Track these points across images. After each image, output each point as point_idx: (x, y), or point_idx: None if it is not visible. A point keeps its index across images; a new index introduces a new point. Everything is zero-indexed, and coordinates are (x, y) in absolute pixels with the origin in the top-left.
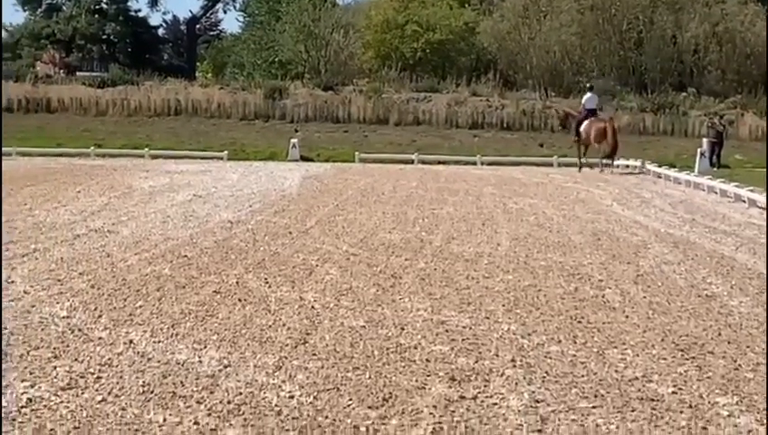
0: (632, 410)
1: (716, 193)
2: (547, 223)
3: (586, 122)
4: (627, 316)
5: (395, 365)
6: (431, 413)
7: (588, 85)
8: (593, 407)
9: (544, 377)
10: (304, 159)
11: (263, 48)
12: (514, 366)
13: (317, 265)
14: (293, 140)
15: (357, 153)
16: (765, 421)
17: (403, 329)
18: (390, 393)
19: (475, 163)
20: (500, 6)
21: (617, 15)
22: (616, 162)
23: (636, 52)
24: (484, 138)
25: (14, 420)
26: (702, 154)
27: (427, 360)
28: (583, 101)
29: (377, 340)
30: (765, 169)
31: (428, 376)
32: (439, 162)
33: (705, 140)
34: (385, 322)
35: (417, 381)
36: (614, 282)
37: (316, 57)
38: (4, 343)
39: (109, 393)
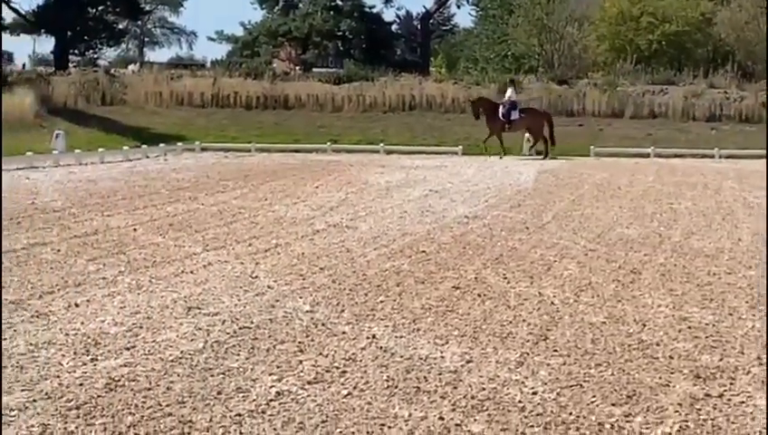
0: None
1: None
2: None
3: (523, 115)
4: None
5: (638, 362)
6: (676, 411)
7: (509, 80)
8: None
9: None
10: (539, 153)
11: (495, 42)
12: (761, 364)
13: (555, 261)
14: (527, 135)
15: (591, 147)
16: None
17: (645, 325)
18: (634, 391)
19: (712, 156)
20: None
21: None
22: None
23: None
24: (722, 130)
25: (263, 412)
26: None
27: (671, 357)
28: (509, 94)
29: (618, 336)
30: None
31: (672, 373)
32: (676, 156)
33: None
34: (626, 318)
35: (660, 378)
36: None
37: (550, 51)
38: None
39: (354, 388)
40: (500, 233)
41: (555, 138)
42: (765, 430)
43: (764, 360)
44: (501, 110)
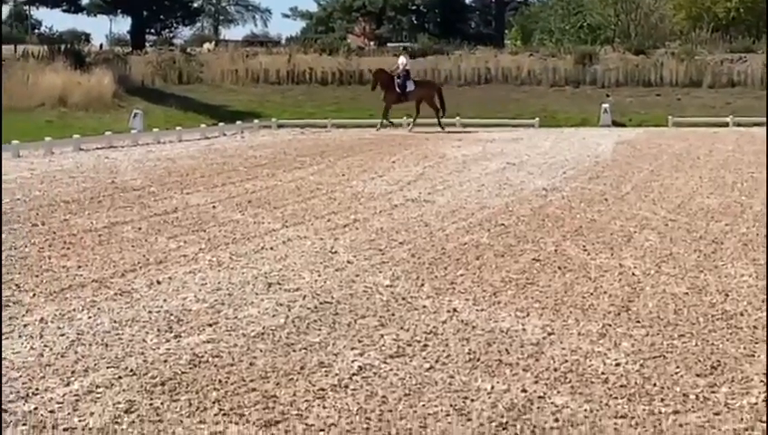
0: None
1: None
2: None
3: (417, 86)
4: None
5: (721, 332)
6: (762, 381)
7: (402, 48)
8: None
9: None
10: (616, 124)
11: (571, 13)
12: None
13: (635, 232)
14: (605, 106)
15: (670, 117)
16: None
17: (727, 295)
18: (719, 361)
19: None
20: None
21: None
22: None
23: None
24: None
25: (346, 387)
26: None
27: (755, 327)
28: (401, 62)
29: (701, 307)
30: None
31: (756, 344)
32: (755, 124)
33: None
34: (708, 288)
35: (745, 348)
36: None
37: (626, 20)
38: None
39: (436, 361)
40: (579, 205)
41: (446, 107)
42: (766, 429)
43: None
44: (397, 81)
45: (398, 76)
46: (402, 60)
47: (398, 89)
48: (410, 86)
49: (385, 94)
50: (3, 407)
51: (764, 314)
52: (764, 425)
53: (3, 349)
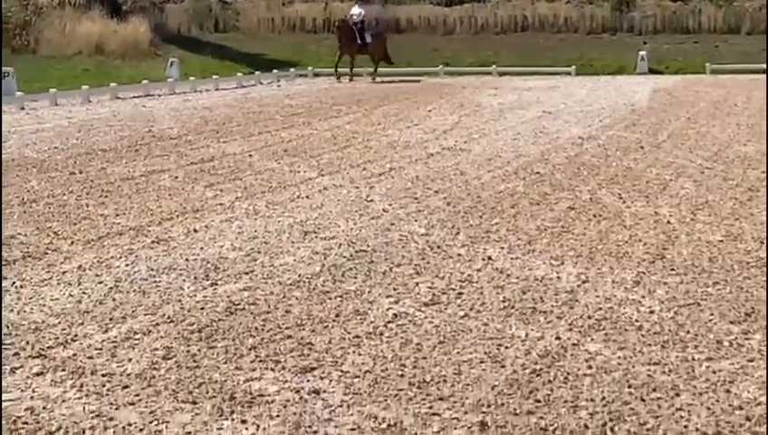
0: None
1: None
2: None
3: (374, 39)
4: None
5: (756, 280)
6: None
7: None
8: None
9: None
10: (653, 71)
11: None
12: None
13: (671, 180)
14: (642, 53)
15: (707, 64)
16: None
17: (762, 243)
18: (753, 308)
19: None
20: None
21: None
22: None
23: None
24: None
25: (381, 334)
26: None
27: None
28: (354, 12)
29: (736, 254)
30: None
31: None
32: None
33: None
34: (744, 236)
35: None
36: None
37: None
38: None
39: (471, 309)
40: (615, 153)
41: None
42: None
43: None
44: (356, 32)
45: (356, 26)
46: (355, 9)
47: (358, 41)
48: (368, 38)
49: (346, 45)
50: (42, 353)
51: None
52: None
53: (42, 295)
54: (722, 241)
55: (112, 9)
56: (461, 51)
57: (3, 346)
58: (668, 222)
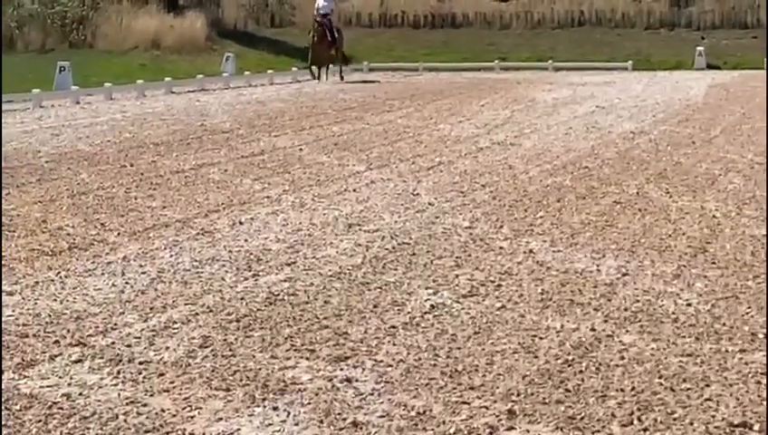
0: None
1: None
2: None
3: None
4: None
5: None
6: None
7: None
8: None
9: None
10: (711, 67)
11: None
12: None
13: (720, 175)
14: (699, 48)
15: (766, 60)
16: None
17: None
18: None
19: None
20: None
21: None
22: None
23: None
24: None
25: (417, 325)
26: None
27: None
28: (320, 5)
29: None
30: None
31: None
32: None
33: None
34: None
35: None
36: None
37: None
38: None
39: (508, 300)
40: (665, 148)
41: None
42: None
43: None
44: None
45: (325, 24)
46: (320, 2)
47: (329, 37)
48: (336, 33)
49: (319, 44)
50: (81, 341)
51: None
52: None
53: (86, 285)
54: (766, 235)
55: (169, 4)
56: (517, 45)
57: (42, 335)
58: (714, 216)
